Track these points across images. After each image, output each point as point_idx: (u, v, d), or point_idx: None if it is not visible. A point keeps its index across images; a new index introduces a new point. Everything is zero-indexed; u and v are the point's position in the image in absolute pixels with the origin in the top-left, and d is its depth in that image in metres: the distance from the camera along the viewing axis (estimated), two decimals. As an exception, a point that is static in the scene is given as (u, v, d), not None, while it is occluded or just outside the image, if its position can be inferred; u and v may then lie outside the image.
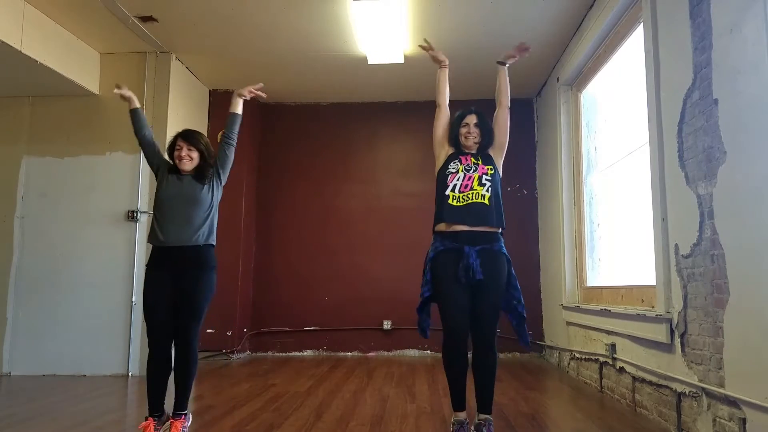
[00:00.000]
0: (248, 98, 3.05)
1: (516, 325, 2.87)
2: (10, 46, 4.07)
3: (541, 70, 5.51)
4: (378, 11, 4.26)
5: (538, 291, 6.02)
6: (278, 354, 6.11)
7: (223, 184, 2.99)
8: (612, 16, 3.83)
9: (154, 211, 2.90)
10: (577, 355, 4.61)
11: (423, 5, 4.28)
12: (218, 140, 5.57)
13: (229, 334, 5.77)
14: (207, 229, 2.86)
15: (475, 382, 2.76)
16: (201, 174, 2.89)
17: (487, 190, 2.76)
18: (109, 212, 4.96)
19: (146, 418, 2.76)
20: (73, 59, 4.77)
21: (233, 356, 5.76)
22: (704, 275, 2.64)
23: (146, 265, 2.88)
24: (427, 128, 6.78)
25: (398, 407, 3.52)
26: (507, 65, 3.11)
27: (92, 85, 5.03)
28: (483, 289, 2.69)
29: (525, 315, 2.85)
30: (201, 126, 5.89)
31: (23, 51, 4.17)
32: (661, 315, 3.01)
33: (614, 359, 3.74)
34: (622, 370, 3.63)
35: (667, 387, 3.01)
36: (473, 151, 2.89)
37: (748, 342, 2.31)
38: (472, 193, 2.73)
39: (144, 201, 4.96)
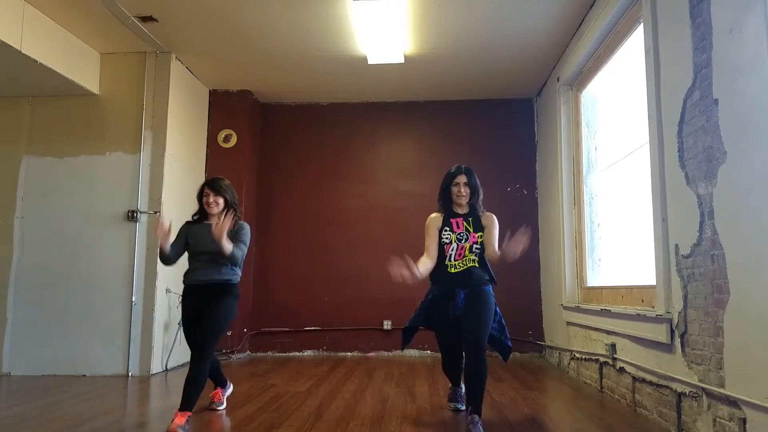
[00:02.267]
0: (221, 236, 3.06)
1: (504, 354, 3.30)
2: (10, 46, 4.07)
3: (541, 70, 5.51)
4: (378, 11, 4.26)
5: (538, 291, 6.02)
6: (278, 354, 6.11)
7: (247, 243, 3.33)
8: (612, 16, 3.83)
9: (188, 253, 3.28)
10: (577, 355, 4.61)
11: (423, 5, 4.28)
12: (219, 142, 5.64)
13: (229, 334, 5.76)
14: (229, 270, 3.24)
15: (466, 385, 2.99)
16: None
17: (476, 256, 3.20)
18: (109, 212, 4.96)
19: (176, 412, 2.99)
20: (73, 59, 4.77)
21: (233, 356, 5.76)
22: (704, 275, 2.64)
23: (181, 298, 3.36)
24: (427, 128, 6.80)
25: (398, 407, 3.52)
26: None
27: (92, 85, 5.03)
28: (470, 310, 3.07)
29: (504, 324, 3.28)
30: (201, 126, 5.89)
31: (23, 51, 4.17)
32: (661, 315, 3.01)
33: (614, 359, 3.74)
34: (622, 370, 3.63)
35: (667, 387, 3.01)
36: (465, 211, 3.26)
37: (749, 342, 2.31)
38: (466, 260, 3.19)
39: (144, 201, 4.96)
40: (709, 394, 2.59)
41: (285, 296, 6.19)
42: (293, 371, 4.98)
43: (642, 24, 3.39)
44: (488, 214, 3.30)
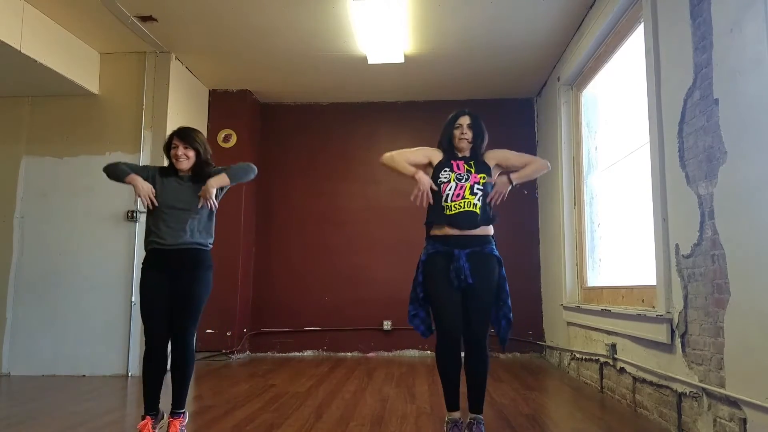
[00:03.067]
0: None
1: (503, 332, 2.88)
2: (10, 46, 4.06)
3: (542, 70, 5.51)
4: (378, 11, 4.25)
5: (538, 291, 6.02)
6: (278, 354, 6.11)
7: (224, 191, 2.98)
8: (612, 15, 3.83)
9: (153, 212, 2.85)
10: (578, 356, 4.60)
11: (423, 5, 4.28)
12: (219, 142, 5.60)
13: (228, 334, 5.76)
14: (204, 232, 2.87)
15: (467, 383, 2.79)
16: (198, 174, 2.87)
17: (478, 199, 2.80)
18: (109, 212, 4.96)
19: (143, 417, 2.76)
20: (73, 59, 4.77)
21: (233, 356, 5.76)
22: (705, 275, 2.64)
23: (142, 265, 2.85)
24: (427, 128, 6.78)
25: (398, 407, 3.51)
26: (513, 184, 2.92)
27: (92, 85, 5.03)
28: (474, 292, 2.74)
29: (511, 320, 2.86)
30: (201, 126, 5.89)
31: (23, 51, 4.17)
32: (661, 315, 3.01)
33: (615, 359, 3.74)
34: (622, 370, 3.63)
35: (667, 387, 3.00)
36: (467, 154, 2.91)
37: (749, 342, 2.30)
38: (464, 202, 2.79)
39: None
40: (710, 395, 2.59)
41: (285, 296, 6.19)
42: (293, 371, 4.97)
43: (642, 24, 3.39)
44: (490, 151, 2.96)
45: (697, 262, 2.71)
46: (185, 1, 4.23)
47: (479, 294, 2.74)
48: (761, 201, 2.23)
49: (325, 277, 6.20)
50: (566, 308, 4.90)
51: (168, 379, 2.84)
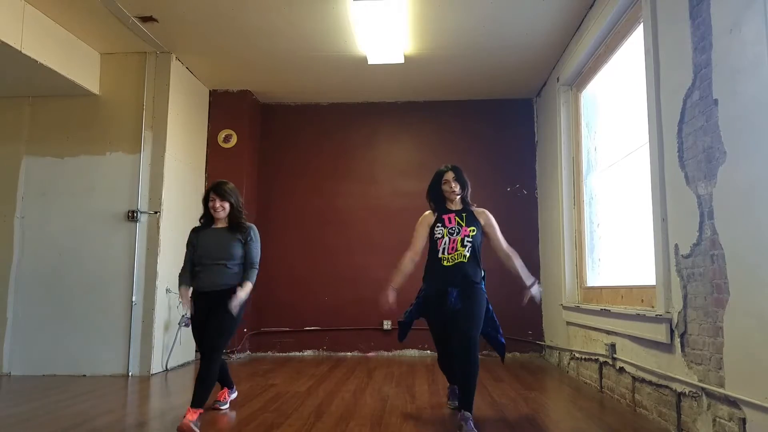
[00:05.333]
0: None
1: (503, 348, 3.34)
2: (10, 46, 4.07)
3: (541, 70, 5.51)
4: (378, 11, 4.26)
5: (538, 291, 6.01)
6: (278, 354, 6.11)
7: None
8: (612, 16, 3.83)
9: (193, 257, 3.28)
10: (577, 355, 4.61)
11: (423, 5, 4.28)
12: (219, 142, 5.64)
13: (229, 334, 5.76)
14: (237, 275, 3.26)
15: (458, 384, 3.05)
16: (234, 224, 3.30)
17: (468, 251, 3.21)
18: (109, 212, 4.96)
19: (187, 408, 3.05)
20: (73, 59, 4.77)
21: (233, 356, 5.76)
22: (704, 275, 2.64)
23: (192, 301, 3.30)
24: (427, 128, 6.78)
25: (398, 407, 3.52)
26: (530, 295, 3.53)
27: (92, 85, 5.03)
28: (463, 309, 3.11)
29: (503, 342, 3.34)
30: (201, 126, 5.89)
31: (23, 51, 4.17)
32: (661, 315, 3.01)
33: (614, 359, 3.74)
34: (622, 370, 3.63)
35: (666, 387, 3.01)
36: (458, 207, 3.32)
37: (748, 342, 2.31)
38: (457, 254, 3.21)
39: (144, 201, 4.96)
40: (709, 394, 2.60)
41: (285, 296, 6.19)
42: (293, 371, 4.98)
43: (642, 24, 3.39)
44: (480, 209, 3.37)
45: (696, 262, 2.71)
46: (185, 2, 4.24)
47: (468, 309, 3.11)
48: (760, 201, 2.24)
49: (325, 277, 6.21)
50: (566, 308, 4.90)
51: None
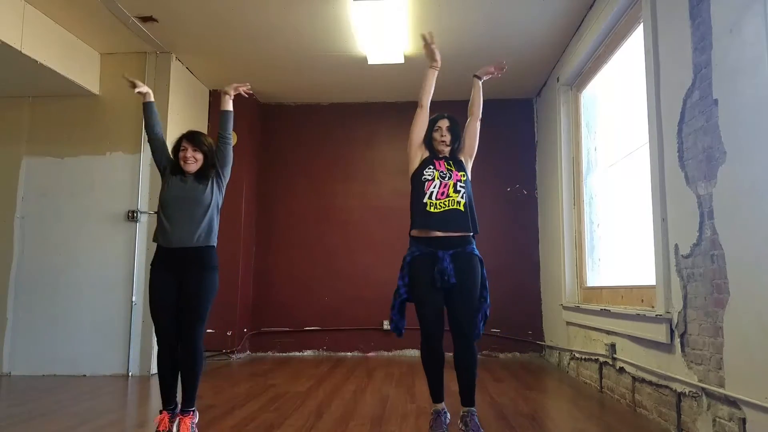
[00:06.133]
0: (232, 95, 3.06)
1: (479, 325, 2.91)
2: (10, 47, 4.07)
3: (541, 70, 5.51)
4: (378, 11, 4.26)
5: (537, 291, 6.02)
6: (278, 354, 6.11)
7: (225, 183, 3.03)
8: (612, 16, 3.83)
9: (158, 211, 2.94)
10: (577, 355, 4.61)
11: (423, 5, 4.28)
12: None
13: (229, 334, 5.77)
14: (207, 229, 2.90)
15: (457, 377, 2.83)
16: (204, 174, 2.94)
17: (462, 197, 2.88)
18: (109, 212, 4.96)
19: (161, 412, 2.84)
20: (73, 59, 4.77)
21: (233, 356, 5.76)
22: (704, 275, 2.64)
23: (151, 265, 2.92)
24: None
25: (398, 407, 3.52)
26: (482, 80, 3.19)
27: (92, 85, 5.03)
28: (459, 291, 2.80)
29: (488, 315, 2.93)
30: (201, 126, 5.89)
31: (23, 51, 4.17)
32: (661, 315, 3.01)
33: (614, 359, 3.75)
34: (622, 370, 3.63)
35: (667, 387, 3.01)
36: (446, 155, 3.01)
37: (748, 342, 2.31)
38: (449, 200, 2.86)
39: (144, 201, 4.96)
40: (709, 394, 2.60)
41: (285, 296, 6.19)
42: (293, 371, 4.98)
43: (642, 24, 3.39)
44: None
45: (696, 262, 2.71)
46: (185, 2, 4.24)
47: (465, 291, 2.80)
48: (760, 201, 2.24)
49: (325, 276, 6.21)
50: (566, 308, 4.91)
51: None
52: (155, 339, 2.86)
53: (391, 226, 6.17)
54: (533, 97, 6.28)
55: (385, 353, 6.08)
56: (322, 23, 4.56)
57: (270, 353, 6.13)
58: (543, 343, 5.86)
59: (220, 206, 2.99)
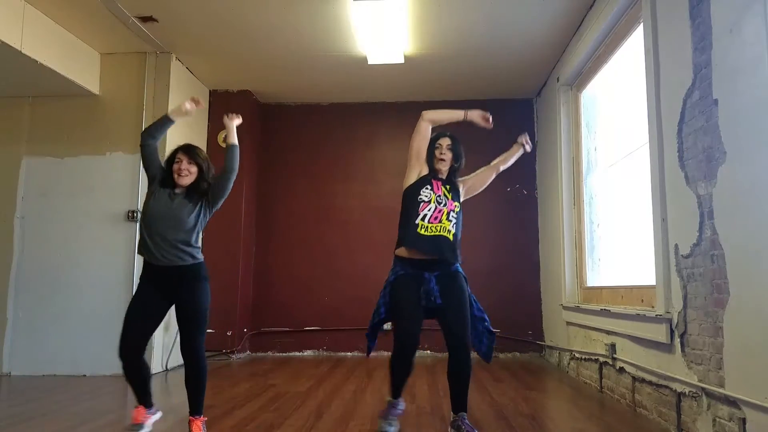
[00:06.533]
0: (233, 125, 3.03)
1: (487, 346, 2.97)
2: (10, 46, 4.07)
3: (541, 70, 5.51)
4: (378, 11, 4.26)
5: (538, 291, 6.02)
6: (278, 354, 6.11)
7: (214, 211, 2.95)
8: (612, 16, 3.83)
9: (141, 222, 2.85)
10: (577, 355, 4.61)
11: (423, 5, 4.28)
12: (219, 142, 5.58)
13: (229, 334, 5.77)
14: (191, 250, 2.82)
15: (450, 385, 2.85)
16: (194, 192, 2.85)
17: (453, 227, 2.88)
18: (109, 212, 4.96)
19: (136, 406, 2.86)
20: (73, 59, 4.77)
21: (233, 356, 5.76)
22: (704, 275, 2.64)
23: (140, 278, 2.87)
24: (427, 128, 6.71)
25: (398, 407, 3.51)
26: (467, 119, 3.12)
27: (92, 85, 5.03)
28: (449, 307, 2.83)
29: (492, 331, 2.97)
30: (201, 126, 5.89)
31: (23, 51, 4.17)
32: (661, 315, 3.01)
33: (614, 359, 3.75)
34: (622, 370, 3.63)
35: (666, 387, 3.01)
36: (443, 177, 3.01)
37: (748, 342, 2.31)
38: (440, 227, 2.84)
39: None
40: (709, 394, 2.60)
41: (285, 296, 6.19)
42: (293, 371, 4.98)
43: (642, 24, 3.39)
44: (463, 178, 3.10)
45: (696, 262, 2.71)
46: (185, 2, 4.24)
47: (455, 306, 2.82)
48: (760, 201, 2.24)
49: (325, 276, 6.21)
50: (566, 308, 4.91)
51: (174, 380, 2.87)
52: (119, 349, 2.77)
53: (391, 227, 6.11)
54: (533, 97, 6.27)
55: (385, 353, 6.05)
56: (322, 23, 4.56)
57: (270, 353, 6.13)
58: (543, 343, 5.86)
59: (203, 228, 2.91)
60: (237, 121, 3.08)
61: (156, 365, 4.84)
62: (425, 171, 3.01)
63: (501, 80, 5.80)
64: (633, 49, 3.80)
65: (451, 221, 2.87)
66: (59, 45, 4.58)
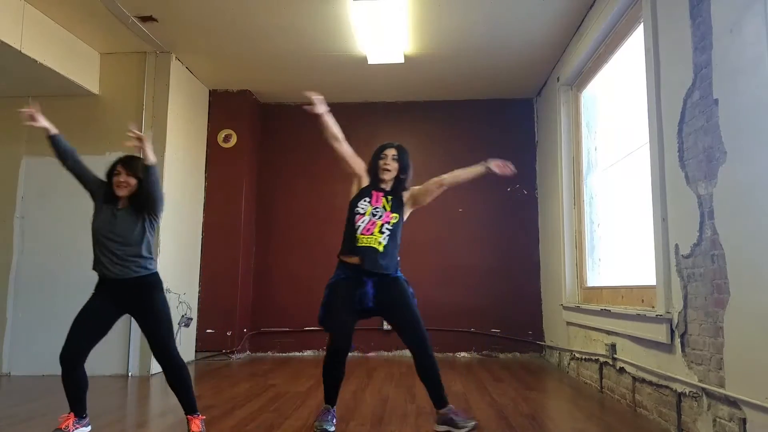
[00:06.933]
0: (144, 145, 2.86)
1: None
2: (10, 46, 4.07)
3: (541, 70, 5.51)
4: (378, 11, 4.26)
5: (538, 291, 6.02)
6: (278, 354, 6.11)
7: (159, 220, 2.96)
8: (612, 16, 3.83)
9: (92, 240, 2.94)
10: (578, 356, 4.61)
11: (423, 5, 4.28)
12: (219, 142, 5.55)
13: (229, 334, 5.76)
14: (143, 261, 2.86)
15: (426, 386, 2.94)
16: (135, 205, 2.86)
17: (384, 239, 2.94)
18: (109, 212, 4.95)
19: (68, 413, 2.87)
20: (73, 59, 4.77)
21: (233, 356, 5.76)
22: (704, 275, 2.64)
23: (95, 286, 2.94)
24: (427, 128, 6.77)
25: (398, 407, 3.52)
26: (486, 170, 3.13)
27: (92, 85, 5.03)
28: (397, 309, 2.93)
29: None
30: (201, 126, 5.89)
31: (23, 51, 4.17)
32: (661, 315, 3.01)
33: (614, 359, 3.74)
34: (622, 370, 3.63)
35: (667, 387, 3.01)
36: (387, 188, 3.05)
37: (749, 342, 2.31)
38: (371, 239, 2.93)
39: (144, 201, 4.95)
40: (709, 394, 2.59)
41: (285, 296, 6.19)
42: (293, 371, 4.97)
43: (642, 24, 3.39)
44: (413, 188, 3.12)
45: (696, 262, 2.71)
46: (185, 1, 4.24)
47: (403, 307, 2.92)
48: (761, 201, 2.24)
49: (325, 276, 6.05)
50: (566, 308, 4.90)
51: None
52: (60, 353, 2.83)
53: (391, 226, 6.16)
54: (533, 97, 6.27)
55: (385, 353, 6.07)
56: (322, 23, 4.56)
57: (270, 353, 6.13)
58: (543, 343, 5.86)
59: (152, 239, 2.94)
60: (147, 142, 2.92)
61: (156, 365, 4.83)
62: (365, 183, 3.08)
63: (501, 80, 5.80)
64: (633, 48, 3.80)
65: (383, 233, 2.94)
66: (59, 45, 4.57)
